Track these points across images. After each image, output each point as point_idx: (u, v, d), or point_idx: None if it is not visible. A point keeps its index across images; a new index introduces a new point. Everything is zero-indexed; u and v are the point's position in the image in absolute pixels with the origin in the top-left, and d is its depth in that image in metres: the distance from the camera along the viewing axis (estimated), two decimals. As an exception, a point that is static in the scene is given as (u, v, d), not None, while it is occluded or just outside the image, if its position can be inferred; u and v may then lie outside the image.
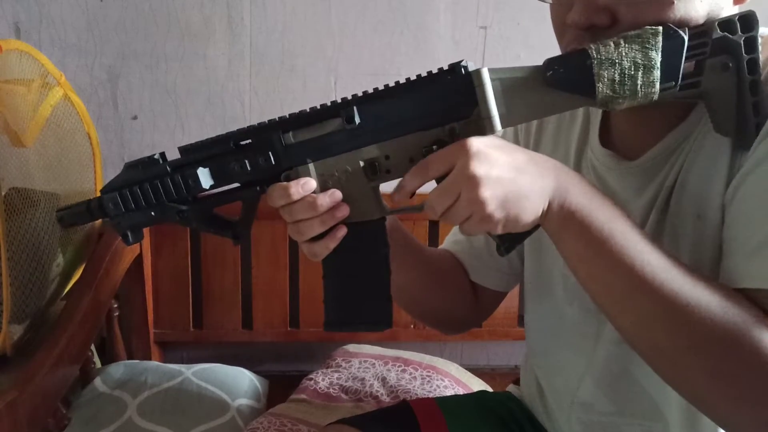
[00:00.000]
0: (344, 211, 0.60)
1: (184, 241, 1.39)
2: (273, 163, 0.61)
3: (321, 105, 0.61)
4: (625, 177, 0.67)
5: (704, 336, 0.53)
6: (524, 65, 0.58)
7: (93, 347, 1.28)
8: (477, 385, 1.29)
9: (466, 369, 1.33)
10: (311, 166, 0.60)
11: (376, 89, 0.60)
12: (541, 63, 0.57)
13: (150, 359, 1.37)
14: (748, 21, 0.55)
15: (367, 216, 0.62)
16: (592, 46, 0.56)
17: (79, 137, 1.10)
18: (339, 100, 0.60)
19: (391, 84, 0.59)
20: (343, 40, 1.36)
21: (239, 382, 1.24)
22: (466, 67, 0.57)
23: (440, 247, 0.89)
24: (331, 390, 1.23)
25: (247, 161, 0.61)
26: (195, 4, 1.32)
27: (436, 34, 1.36)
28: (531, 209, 0.56)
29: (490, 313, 0.90)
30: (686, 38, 0.55)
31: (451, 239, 0.88)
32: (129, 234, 0.64)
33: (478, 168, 0.53)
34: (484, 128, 0.57)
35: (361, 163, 0.60)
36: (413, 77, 0.59)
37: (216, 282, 1.42)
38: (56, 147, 1.03)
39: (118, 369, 1.22)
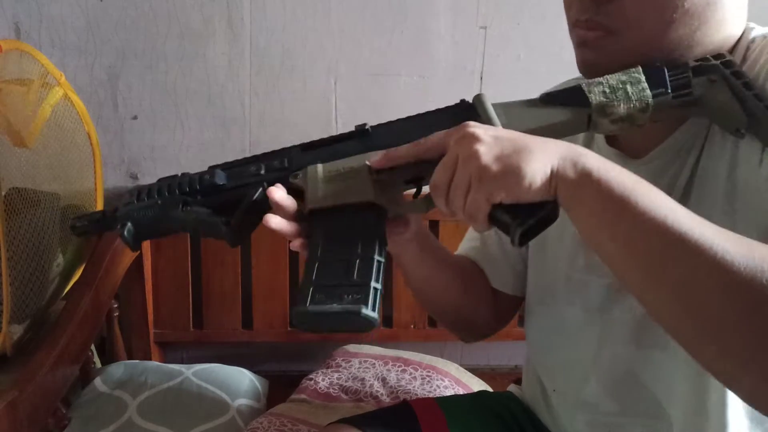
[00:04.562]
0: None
1: (184, 241, 1.39)
2: (285, 166, 0.64)
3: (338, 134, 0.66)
4: None
5: (751, 300, 0.45)
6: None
7: (93, 347, 1.28)
8: (477, 385, 1.28)
9: (466, 369, 1.33)
10: (320, 165, 0.63)
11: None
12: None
13: (150, 359, 1.37)
14: (719, 54, 0.59)
15: (363, 197, 0.60)
16: (581, 83, 0.61)
17: (79, 137, 1.10)
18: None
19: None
20: (343, 40, 1.36)
21: (239, 382, 1.24)
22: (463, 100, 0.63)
23: (456, 252, 0.90)
24: (331, 390, 1.23)
25: (262, 166, 0.65)
26: (195, 4, 1.32)
27: (436, 34, 1.36)
28: (534, 163, 0.51)
29: (508, 320, 0.90)
30: (664, 67, 0.59)
31: (467, 245, 0.89)
32: (128, 229, 0.65)
33: (474, 129, 0.54)
34: None
35: (367, 162, 0.62)
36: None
37: (216, 282, 1.42)
38: (56, 147, 1.03)
39: (118, 369, 1.22)
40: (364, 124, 0.64)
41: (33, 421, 0.82)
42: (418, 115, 0.64)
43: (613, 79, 0.59)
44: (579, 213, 0.53)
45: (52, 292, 1.02)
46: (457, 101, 0.63)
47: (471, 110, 0.61)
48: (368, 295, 0.55)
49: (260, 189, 0.63)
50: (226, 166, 0.67)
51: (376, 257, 0.57)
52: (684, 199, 0.63)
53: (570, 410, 0.77)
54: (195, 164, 1.39)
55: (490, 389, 1.22)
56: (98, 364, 1.30)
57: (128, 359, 1.32)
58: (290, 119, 1.39)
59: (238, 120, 1.38)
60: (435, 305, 0.85)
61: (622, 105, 0.58)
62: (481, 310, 0.86)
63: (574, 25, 0.63)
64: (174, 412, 1.12)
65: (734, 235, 0.48)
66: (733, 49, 0.62)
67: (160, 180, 0.69)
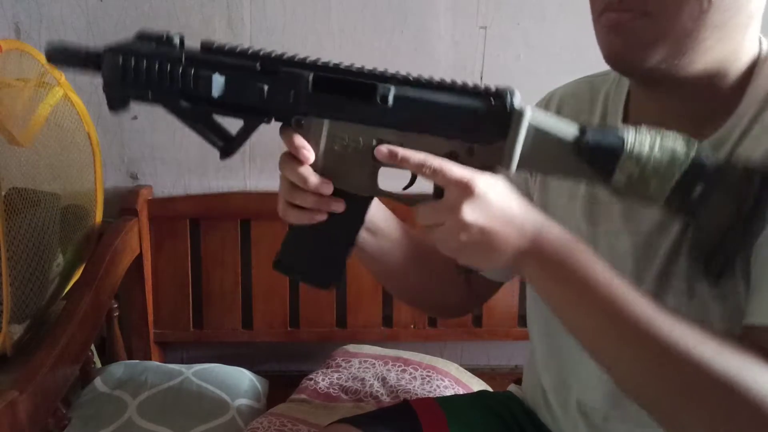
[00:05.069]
0: (327, 204, 0.61)
1: (184, 241, 1.39)
2: (290, 102, 0.58)
3: (363, 68, 0.60)
4: None
5: (698, 385, 0.52)
6: (565, 120, 0.59)
7: (93, 347, 1.28)
8: (477, 385, 1.28)
9: (466, 369, 1.33)
10: (326, 122, 0.59)
11: (419, 76, 0.58)
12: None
13: (150, 359, 1.37)
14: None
15: (357, 190, 0.61)
16: (631, 131, 0.57)
17: (79, 137, 1.10)
18: (382, 71, 0.59)
19: (437, 78, 0.59)
20: (343, 40, 1.36)
21: (239, 382, 1.24)
22: (513, 96, 0.57)
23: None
24: (331, 390, 1.23)
25: (266, 89, 0.58)
26: (195, 4, 1.32)
27: (436, 34, 1.36)
28: (495, 261, 0.58)
29: (485, 300, 0.90)
30: (708, 166, 0.56)
31: None
32: (117, 100, 0.58)
33: (469, 214, 0.55)
34: (500, 161, 0.58)
35: (374, 142, 0.59)
36: (460, 82, 0.58)
37: (216, 282, 1.42)
38: (56, 147, 1.03)
39: (118, 369, 1.22)
40: (390, 80, 0.58)
41: (33, 421, 0.82)
42: (448, 90, 0.58)
43: (651, 162, 0.56)
44: (542, 296, 0.60)
45: (52, 292, 1.02)
46: (499, 88, 0.58)
47: (504, 120, 0.57)
48: (336, 277, 0.65)
49: (261, 121, 0.60)
50: (225, 65, 0.58)
51: (351, 242, 0.65)
52: None
53: (571, 412, 0.77)
54: (195, 164, 1.40)
55: (490, 389, 1.22)
56: (98, 364, 1.30)
57: (128, 359, 1.31)
58: (290, 119, 1.39)
59: (238, 120, 1.38)
60: (402, 291, 0.85)
61: (629, 199, 0.59)
62: (451, 293, 0.85)
63: (603, 10, 0.60)
64: (174, 412, 1.12)
65: (693, 328, 0.53)
66: (755, 65, 0.62)
67: (141, 38, 0.58)
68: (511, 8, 1.35)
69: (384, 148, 0.58)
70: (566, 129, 0.58)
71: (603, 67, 0.81)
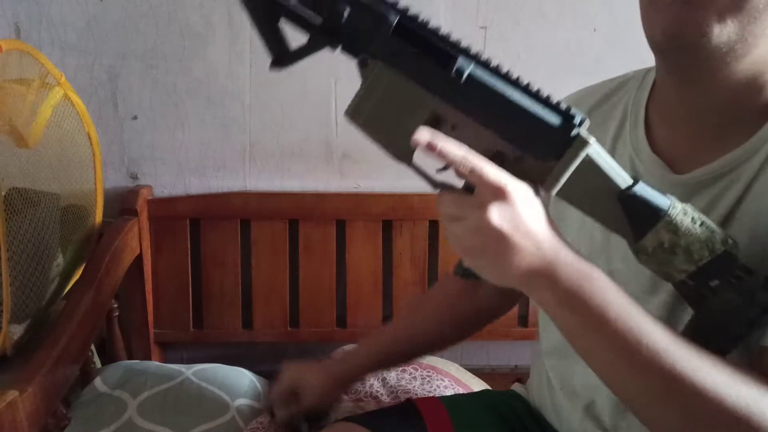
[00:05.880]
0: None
1: (184, 241, 1.39)
2: (365, 37, 0.55)
3: (450, 35, 0.55)
4: (667, 189, 0.65)
5: (710, 416, 0.52)
6: (619, 168, 0.57)
7: (93, 347, 1.28)
8: (477, 385, 1.28)
9: (466, 369, 1.33)
10: (392, 72, 0.55)
11: (500, 65, 0.55)
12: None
13: (150, 359, 1.37)
14: None
15: (394, 152, 0.57)
16: (677, 205, 0.56)
17: (79, 137, 1.10)
18: (467, 46, 0.55)
19: (516, 75, 0.56)
20: (343, 40, 1.36)
21: (239, 382, 1.24)
22: (582, 122, 0.55)
23: (455, 270, 0.93)
24: (331, 390, 1.23)
25: (346, 13, 0.54)
26: (195, 4, 1.32)
27: (436, 34, 1.36)
28: (504, 274, 0.55)
29: (517, 299, 0.94)
30: (737, 263, 0.55)
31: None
32: None
33: (495, 217, 0.52)
34: (544, 181, 0.56)
35: (430, 113, 0.55)
36: (537, 87, 0.56)
37: (216, 282, 1.42)
38: (56, 147, 1.03)
39: (118, 369, 1.22)
40: (473, 58, 0.54)
41: (33, 421, 0.82)
42: (525, 93, 0.55)
43: (687, 237, 0.55)
44: (556, 321, 0.58)
45: (52, 292, 1.02)
46: (572, 109, 0.55)
47: (565, 142, 0.55)
48: None
49: (327, 44, 0.57)
50: None
51: None
52: (728, 219, 0.62)
53: (578, 412, 0.77)
54: (195, 164, 1.40)
55: (490, 389, 1.22)
56: (98, 364, 1.30)
57: (128, 359, 1.31)
58: (290, 119, 1.39)
59: (238, 120, 1.38)
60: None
61: (647, 265, 0.57)
62: (483, 318, 0.87)
63: None
64: (174, 412, 1.12)
65: (707, 358, 0.53)
66: None
67: None
68: (511, 8, 1.35)
69: (425, 137, 0.54)
70: (620, 173, 0.56)
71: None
